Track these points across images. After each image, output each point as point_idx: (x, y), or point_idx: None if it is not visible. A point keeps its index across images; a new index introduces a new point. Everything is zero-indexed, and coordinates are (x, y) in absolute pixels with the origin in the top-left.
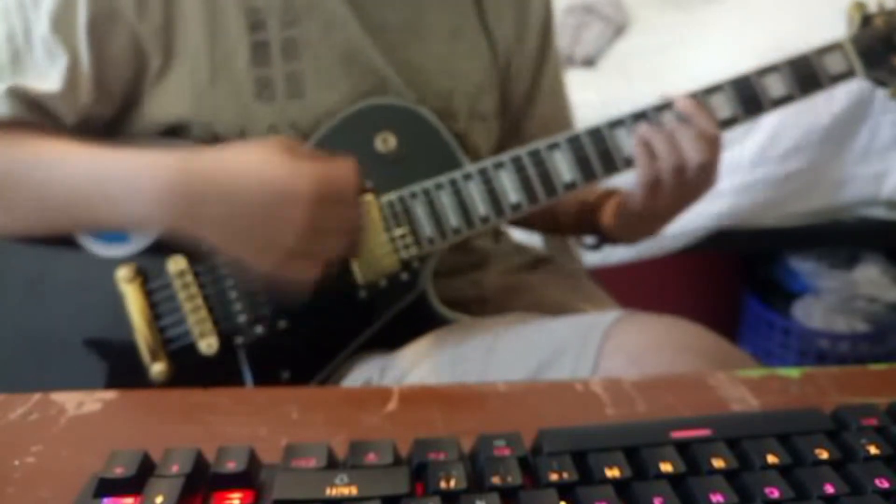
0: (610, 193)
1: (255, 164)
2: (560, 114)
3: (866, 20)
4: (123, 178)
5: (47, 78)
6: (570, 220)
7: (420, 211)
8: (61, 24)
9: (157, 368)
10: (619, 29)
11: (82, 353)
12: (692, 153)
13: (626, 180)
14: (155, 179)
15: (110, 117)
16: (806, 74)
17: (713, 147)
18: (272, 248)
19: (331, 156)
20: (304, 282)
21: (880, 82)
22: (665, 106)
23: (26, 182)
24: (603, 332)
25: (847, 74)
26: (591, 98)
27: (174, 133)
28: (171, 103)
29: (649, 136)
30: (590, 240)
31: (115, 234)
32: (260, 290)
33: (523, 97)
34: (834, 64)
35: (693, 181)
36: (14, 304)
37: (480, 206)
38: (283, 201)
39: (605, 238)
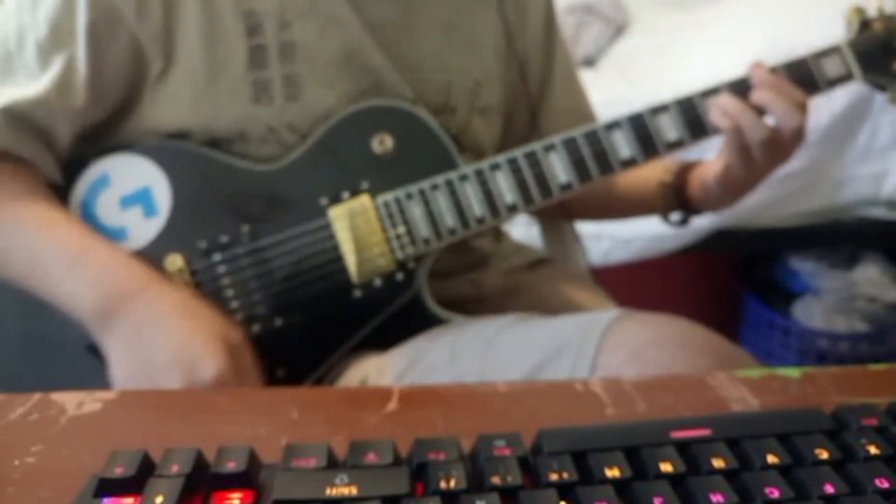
0: (687, 167)
1: (173, 333)
2: (580, 107)
3: (865, 24)
4: (69, 282)
5: (37, 81)
6: (635, 203)
7: (416, 211)
8: (60, 28)
9: None
10: (619, 29)
11: (81, 351)
12: (788, 120)
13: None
14: (92, 294)
15: (102, 122)
16: (803, 77)
17: (804, 111)
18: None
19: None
20: None
21: (879, 87)
22: (662, 109)
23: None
24: (603, 329)
25: (844, 78)
26: (591, 98)
27: (175, 138)
28: (170, 108)
29: (733, 111)
30: (675, 216)
31: (113, 232)
32: (252, 279)
33: (536, 91)
34: (831, 67)
35: (787, 146)
36: (13, 304)
37: (476, 207)
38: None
39: (692, 211)
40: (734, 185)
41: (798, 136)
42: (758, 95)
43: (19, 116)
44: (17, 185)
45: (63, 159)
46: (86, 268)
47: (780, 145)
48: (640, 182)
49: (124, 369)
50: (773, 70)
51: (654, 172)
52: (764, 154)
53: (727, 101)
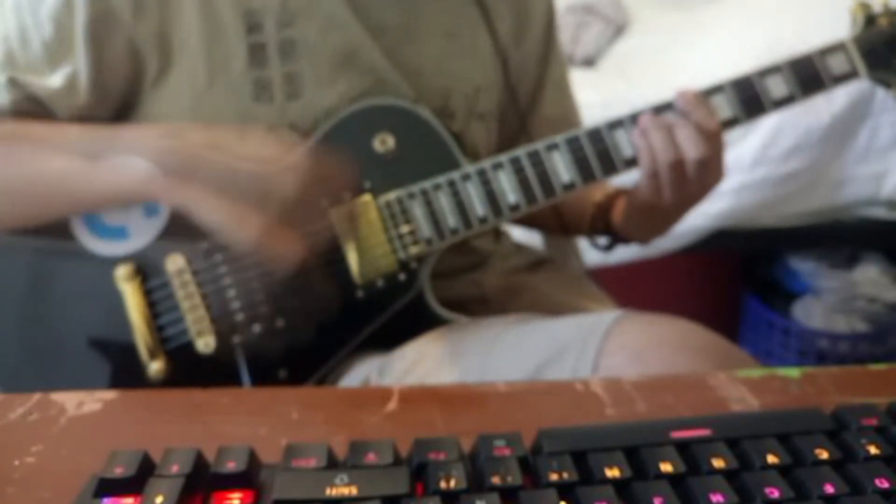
0: (619, 193)
1: (248, 140)
2: (568, 115)
3: (870, 20)
4: (118, 147)
5: (45, 78)
6: (578, 222)
7: (418, 211)
8: (63, 27)
9: (155, 367)
10: (619, 29)
11: (82, 351)
12: (689, 148)
13: (630, 178)
14: (148, 146)
15: (106, 119)
16: (808, 75)
17: (712, 143)
18: (258, 215)
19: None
20: (289, 255)
21: (884, 83)
22: (666, 106)
23: (21, 164)
24: (604, 330)
25: (850, 75)
26: (591, 98)
27: None
28: (169, 107)
29: (648, 129)
30: (602, 240)
31: (114, 232)
32: (254, 279)
33: (528, 97)
34: (836, 64)
35: (694, 177)
36: (14, 304)
37: (478, 207)
38: (273, 170)
39: (617, 238)
40: (644, 212)
41: (703, 167)
42: (664, 118)
43: (26, 91)
44: (31, 122)
45: None
46: (129, 135)
47: (685, 174)
48: (582, 200)
49: (219, 207)
50: (696, 95)
51: (596, 192)
52: (671, 181)
53: (646, 119)
